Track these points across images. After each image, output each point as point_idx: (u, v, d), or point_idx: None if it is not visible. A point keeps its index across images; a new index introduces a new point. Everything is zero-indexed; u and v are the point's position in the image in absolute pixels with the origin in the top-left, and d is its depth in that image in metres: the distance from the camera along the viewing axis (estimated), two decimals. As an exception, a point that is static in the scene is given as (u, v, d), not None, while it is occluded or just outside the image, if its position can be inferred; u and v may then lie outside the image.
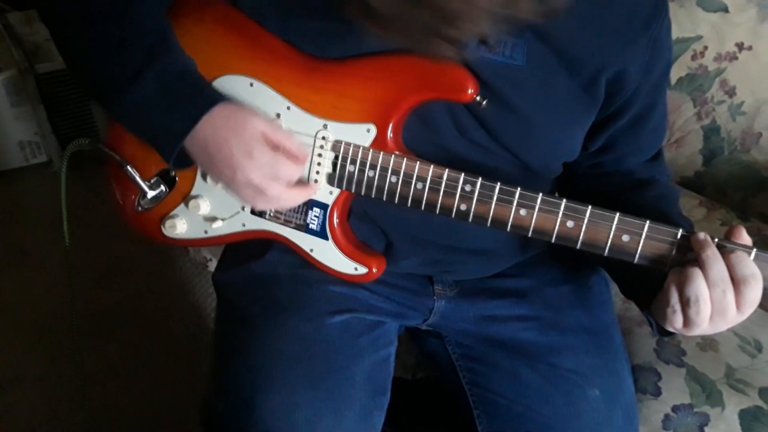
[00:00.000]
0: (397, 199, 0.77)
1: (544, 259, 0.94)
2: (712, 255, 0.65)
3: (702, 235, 0.67)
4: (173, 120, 0.74)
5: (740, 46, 1.25)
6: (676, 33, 1.28)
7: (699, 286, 0.64)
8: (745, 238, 0.67)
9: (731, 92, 1.26)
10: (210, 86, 0.78)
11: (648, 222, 0.69)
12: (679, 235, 0.68)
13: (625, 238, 0.70)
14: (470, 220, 0.75)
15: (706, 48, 1.27)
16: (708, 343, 0.95)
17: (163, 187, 0.87)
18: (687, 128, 1.31)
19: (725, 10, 1.25)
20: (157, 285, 1.58)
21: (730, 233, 0.68)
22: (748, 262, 0.64)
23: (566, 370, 0.84)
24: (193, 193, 0.85)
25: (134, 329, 1.50)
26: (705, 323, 0.65)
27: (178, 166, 0.78)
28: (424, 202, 0.76)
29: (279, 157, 0.75)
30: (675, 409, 0.88)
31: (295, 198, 0.78)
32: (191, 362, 1.42)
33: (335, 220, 0.82)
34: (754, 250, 0.66)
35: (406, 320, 0.90)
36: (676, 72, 1.29)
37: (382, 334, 0.86)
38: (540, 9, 0.61)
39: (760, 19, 1.23)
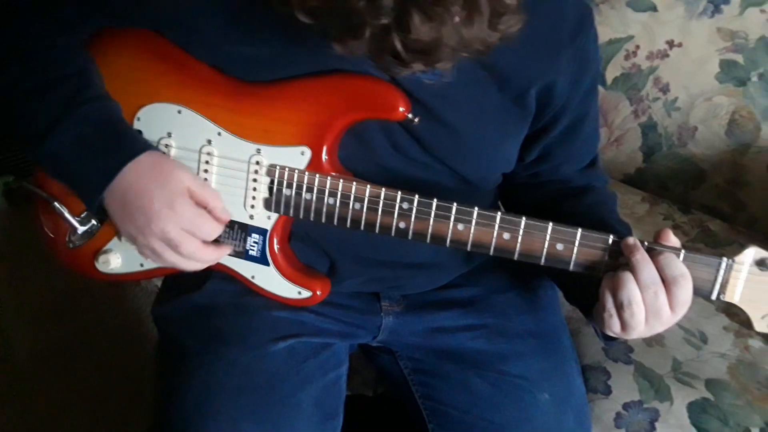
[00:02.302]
0: (336, 220, 0.76)
1: (490, 268, 0.94)
2: (642, 258, 0.66)
3: (631, 239, 0.68)
4: (92, 171, 0.73)
5: (671, 44, 1.29)
6: (608, 34, 1.32)
7: (631, 289, 0.65)
8: (672, 240, 0.69)
9: (665, 89, 1.30)
10: (133, 135, 0.77)
11: (580, 230, 0.70)
12: (610, 241, 0.70)
13: (560, 246, 0.71)
14: (410, 237, 0.75)
15: (638, 47, 1.31)
16: (654, 338, 0.97)
17: (93, 222, 0.84)
18: (625, 126, 1.34)
19: (654, 9, 1.29)
20: (107, 318, 1.54)
21: (659, 236, 0.69)
22: (676, 263, 0.66)
23: (515, 377, 0.85)
24: (127, 226, 0.83)
25: (86, 366, 1.45)
26: (641, 326, 0.67)
27: (103, 215, 0.77)
28: (363, 222, 0.76)
29: (202, 212, 0.74)
30: (626, 406, 0.90)
31: (208, 256, 0.77)
32: (147, 396, 1.39)
33: (275, 245, 0.81)
34: (683, 251, 0.68)
35: (355, 339, 0.90)
36: (611, 72, 1.32)
37: (330, 356, 0.85)
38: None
39: (688, 16, 1.27)
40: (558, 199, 0.86)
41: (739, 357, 0.94)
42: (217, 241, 0.79)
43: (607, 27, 1.32)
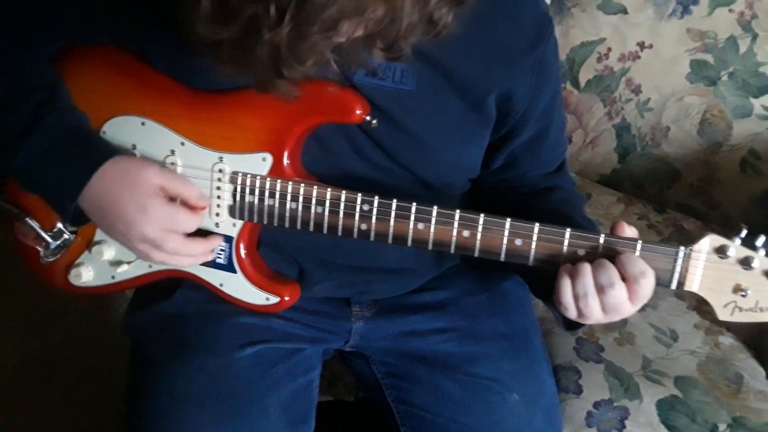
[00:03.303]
0: (299, 224, 0.77)
1: (461, 271, 0.95)
2: (600, 263, 0.67)
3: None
4: (65, 178, 0.74)
5: (641, 45, 1.30)
6: (580, 37, 1.33)
7: (587, 283, 0.67)
8: (628, 231, 0.69)
9: (637, 90, 1.31)
10: (102, 141, 0.78)
11: (537, 224, 0.71)
12: (567, 235, 0.70)
13: (518, 242, 0.72)
14: (372, 238, 0.75)
15: (609, 49, 1.32)
16: (625, 336, 0.97)
17: (66, 236, 0.85)
18: (600, 128, 1.35)
19: (624, 11, 1.30)
20: (93, 329, 1.54)
21: (614, 228, 0.70)
22: (636, 261, 0.67)
23: (485, 378, 0.85)
24: (96, 238, 0.84)
25: (71, 376, 1.46)
26: (598, 315, 0.68)
27: (77, 224, 0.78)
28: (325, 225, 0.76)
29: (175, 208, 0.74)
30: (596, 405, 0.90)
31: (194, 249, 0.77)
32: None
33: (242, 252, 0.81)
34: (639, 242, 0.68)
35: (326, 344, 0.90)
36: (584, 75, 1.34)
37: (301, 361, 0.85)
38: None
39: (657, 17, 1.29)
40: (525, 199, 0.87)
41: (709, 354, 0.95)
42: (205, 234, 0.79)
43: (579, 30, 1.33)
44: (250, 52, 0.56)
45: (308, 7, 0.52)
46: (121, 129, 0.80)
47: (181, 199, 0.76)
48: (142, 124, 0.79)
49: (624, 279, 0.67)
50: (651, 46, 1.29)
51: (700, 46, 1.25)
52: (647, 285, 0.67)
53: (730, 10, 1.24)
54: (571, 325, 0.74)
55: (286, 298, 0.82)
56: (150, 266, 0.84)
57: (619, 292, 0.66)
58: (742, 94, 1.23)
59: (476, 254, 0.74)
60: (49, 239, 0.85)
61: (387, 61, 0.64)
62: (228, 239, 0.81)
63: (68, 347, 1.51)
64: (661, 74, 1.28)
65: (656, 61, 1.29)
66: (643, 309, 1.01)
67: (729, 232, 0.68)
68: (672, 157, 1.29)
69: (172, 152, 0.79)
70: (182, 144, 0.79)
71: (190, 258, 0.78)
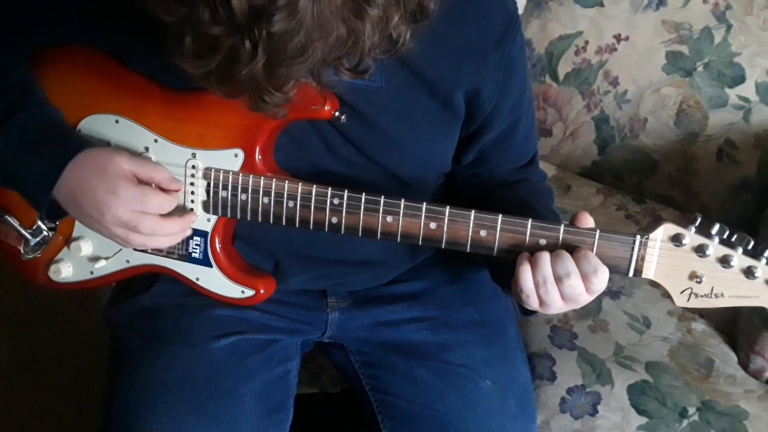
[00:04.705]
0: (272, 219, 0.79)
1: (435, 262, 0.96)
2: (558, 254, 0.69)
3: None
4: (38, 171, 0.75)
5: (618, 38, 1.31)
6: (558, 30, 1.35)
7: (546, 271, 0.68)
8: (588, 222, 0.71)
9: (615, 82, 1.32)
10: (74, 134, 0.80)
11: (501, 216, 0.73)
12: (529, 225, 0.72)
13: (483, 233, 0.73)
14: (342, 232, 0.77)
15: (587, 42, 1.33)
16: (598, 324, 0.99)
17: (45, 233, 0.87)
18: (579, 120, 1.36)
19: (601, 4, 1.32)
20: (82, 326, 1.56)
21: (575, 218, 0.71)
22: (591, 259, 0.69)
23: (458, 365, 0.87)
24: (75, 234, 0.86)
25: (62, 373, 1.48)
26: (559, 302, 0.70)
27: (53, 218, 0.79)
28: (297, 219, 0.78)
29: (145, 189, 0.76)
30: (569, 391, 0.92)
31: (172, 228, 0.78)
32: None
33: (217, 246, 0.83)
34: (597, 231, 0.70)
35: (303, 335, 0.92)
36: (563, 68, 1.35)
37: (276, 351, 0.87)
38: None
39: (633, 10, 1.30)
40: (493, 191, 0.88)
41: (681, 340, 0.96)
42: (180, 212, 0.80)
43: (557, 23, 1.34)
44: (235, 82, 0.59)
45: (277, 37, 0.55)
46: (95, 127, 0.81)
47: (154, 183, 0.77)
48: (116, 121, 0.81)
49: (581, 273, 0.69)
50: (627, 39, 1.31)
51: (676, 38, 1.27)
52: (600, 282, 0.69)
53: (704, 1, 1.25)
54: (528, 311, 0.76)
55: (262, 291, 0.84)
56: (127, 261, 0.86)
57: (575, 282, 0.68)
58: (718, 84, 1.24)
59: (443, 246, 0.75)
60: (28, 236, 0.87)
61: (354, 78, 0.66)
62: (203, 234, 0.82)
63: (62, 343, 1.53)
64: (638, 66, 1.30)
65: (633, 53, 1.30)
66: (617, 297, 1.04)
67: (705, 221, 0.69)
68: (650, 148, 1.31)
69: (146, 149, 0.81)
70: (155, 141, 0.80)
71: (168, 237, 0.79)
